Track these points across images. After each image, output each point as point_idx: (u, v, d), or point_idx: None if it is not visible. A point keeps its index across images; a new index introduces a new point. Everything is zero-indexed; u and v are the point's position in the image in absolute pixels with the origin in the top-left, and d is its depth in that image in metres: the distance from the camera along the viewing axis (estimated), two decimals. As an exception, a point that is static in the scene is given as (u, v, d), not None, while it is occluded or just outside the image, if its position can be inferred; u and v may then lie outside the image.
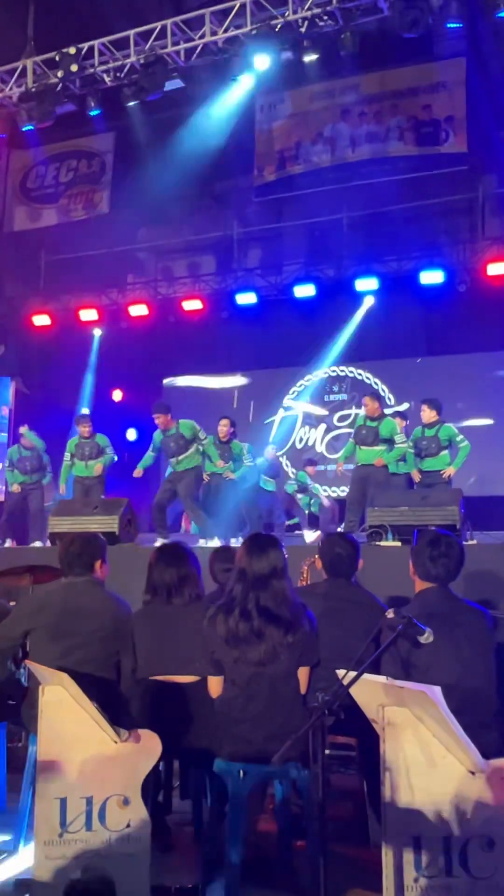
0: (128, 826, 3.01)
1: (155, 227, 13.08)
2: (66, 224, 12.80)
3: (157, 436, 8.43)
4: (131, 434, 13.23)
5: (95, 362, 12.90)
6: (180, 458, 8.26)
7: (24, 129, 10.45)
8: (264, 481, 10.14)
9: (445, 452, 7.85)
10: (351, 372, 12.57)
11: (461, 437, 7.88)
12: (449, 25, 8.63)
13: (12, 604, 4.39)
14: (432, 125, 10.99)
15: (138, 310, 12.23)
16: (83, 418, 9.45)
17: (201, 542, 7.67)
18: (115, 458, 9.49)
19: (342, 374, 12.60)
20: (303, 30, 8.87)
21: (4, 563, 5.86)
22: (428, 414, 7.90)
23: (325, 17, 8.70)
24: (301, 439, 12.69)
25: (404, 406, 12.12)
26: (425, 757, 2.60)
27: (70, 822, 3.01)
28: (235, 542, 7.78)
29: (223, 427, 8.69)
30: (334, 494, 11.38)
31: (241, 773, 3.08)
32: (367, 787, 3.50)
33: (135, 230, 13.21)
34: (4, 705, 3.97)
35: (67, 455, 9.22)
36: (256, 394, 12.88)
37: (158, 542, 7.63)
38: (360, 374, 12.53)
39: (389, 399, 12.28)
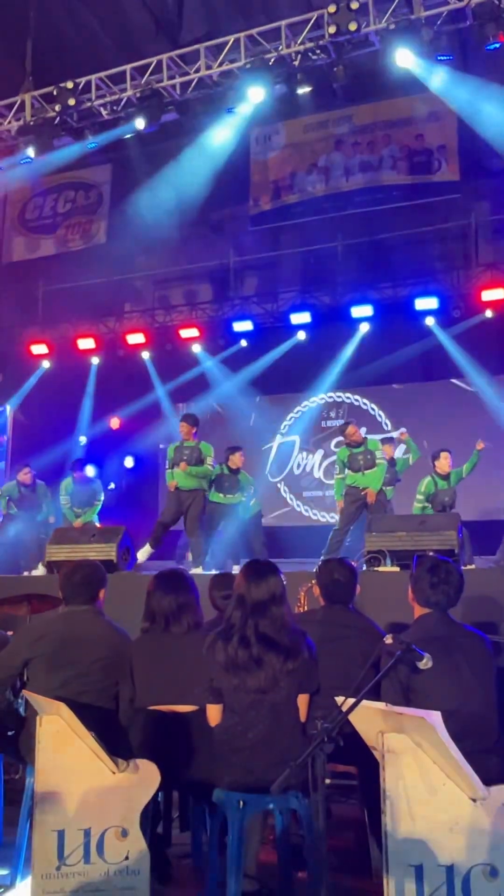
0: (126, 858, 2.97)
1: (152, 257, 13.20)
2: (64, 254, 12.93)
3: (171, 449, 8.45)
4: (129, 462, 13.24)
5: (93, 390, 12.95)
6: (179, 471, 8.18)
7: (22, 162, 10.57)
8: None
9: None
10: (348, 398, 12.62)
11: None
12: (440, 58, 8.78)
13: (10, 633, 4.37)
14: (425, 154, 11.16)
15: (135, 338, 12.30)
16: (22, 468, 9.46)
17: (194, 570, 7.66)
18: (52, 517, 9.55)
19: (339, 399, 12.65)
20: (296, 63, 9.01)
21: (2, 592, 5.83)
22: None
23: (318, 51, 8.85)
24: (299, 465, 12.70)
25: (400, 431, 12.16)
26: (426, 784, 2.58)
27: (68, 854, 2.97)
28: (237, 569, 7.79)
29: (238, 458, 8.73)
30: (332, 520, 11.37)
31: (241, 802, 3.05)
32: (367, 815, 3.46)
33: (132, 259, 13.32)
34: (2, 736, 3.93)
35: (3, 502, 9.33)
36: (254, 420, 12.91)
37: (142, 554, 7.71)
38: (356, 400, 12.58)
39: (386, 425, 12.32)
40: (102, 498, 9.63)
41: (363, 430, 12.41)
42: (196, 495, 8.18)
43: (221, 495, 8.54)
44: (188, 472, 8.13)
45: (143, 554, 8.05)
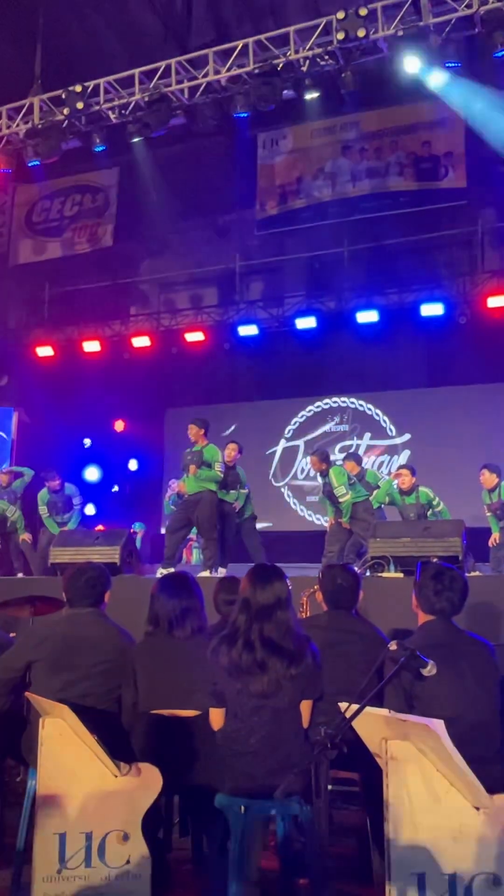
0: (127, 863, 2.97)
1: (158, 260, 13.24)
2: (71, 257, 12.97)
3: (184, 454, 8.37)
4: (133, 464, 13.27)
5: (98, 393, 12.97)
6: (189, 475, 8.08)
7: (30, 165, 10.60)
8: None
9: None
10: (352, 403, 12.62)
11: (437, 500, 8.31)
12: (448, 64, 8.79)
13: (12, 635, 4.37)
14: (431, 161, 11.18)
15: (141, 341, 12.31)
16: (50, 474, 9.46)
17: (205, 573, 7.64)
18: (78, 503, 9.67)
19: (343, 404, 12.65)
20: (304, 69, 9.03)
21: (5, 594, 5.83)
22: (488, 478, 8.27)
23: (326, 57, 8.87)
24: (303, 470, 12.70)
25: (405, 437, 12.17)
26: (429, 792, 2.57)
27: (69, 858, 2.97)
28: (223, 572, 7.78)
29: (231, 451, 8.58)
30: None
31: (243, 808, 3.04)
32: (370, 822, 3.45)
33: (138, 263, 13.36)
34: (4, 738, 3.93)
35: (44, 508, 9.34)
36: (258, 425, 12.93)
37: (160, 573, 7.61)
38: (361, 405, 12.58)
39: (391, 430, 12.32)
40: (79, 502, 9.63)
41: (367, 436, 12.47)
42: (201, 497, 8.02)
43: (224, 492, 8.50)
44: (197, 476, 8.02)
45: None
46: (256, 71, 9.10)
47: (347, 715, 2.55)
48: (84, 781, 3.01)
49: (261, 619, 3.17)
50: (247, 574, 3.36)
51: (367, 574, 6.46)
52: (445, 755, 2.48)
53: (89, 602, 3.64)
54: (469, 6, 8.17)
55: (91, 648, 3.50)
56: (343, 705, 2.65)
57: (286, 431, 12.93)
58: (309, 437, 12.70)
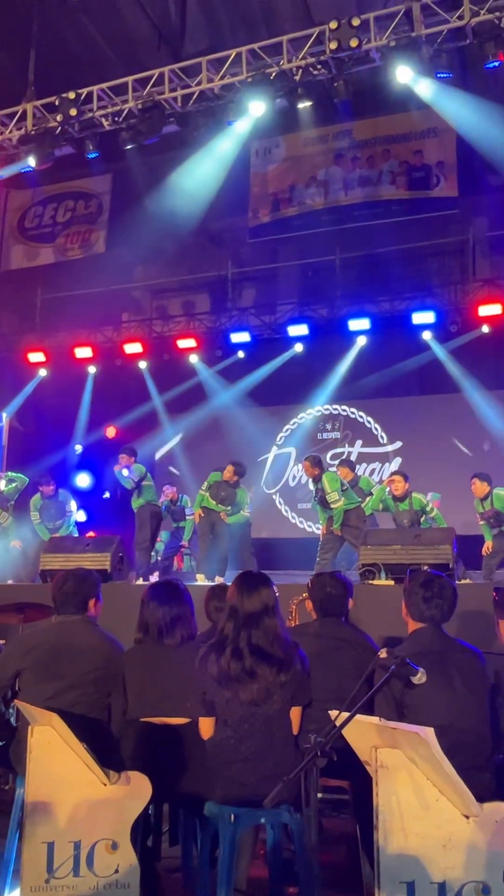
0: (116, 872, 2.95)
1: (150, 267, 13.24)
2: (63, 263, 12.96)
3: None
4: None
5: (89, 399, 12.95)
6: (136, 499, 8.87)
7: (22, 171, 10.61)
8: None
9: None
10: (344, 410, 12.64)
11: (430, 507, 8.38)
12: (439, 75, 8.84)
13: (2, 642, 4.35)
14: (424, 170, 11.24)
15: (133, 347, 12.31)
16: (45, 479, 9.52)
17: (199, 580, 7.68)
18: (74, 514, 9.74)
19: (335, 412, 12.67)
20: (297, 78, 9.07)
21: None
22: (479, 487, 8.30)
23: (319, 66, 8.91)
24: (294, 477, 12.70)
25: (397, 445, 12.19)
26: (419, 800, 2.57)
27: (57, 867, 2.94)
28: (220, 580, 7.80)
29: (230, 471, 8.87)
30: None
31: (233, 816, 3.03)
32: (360, 831, 3.44)
33: (130, 269, 13.36)
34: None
35: (35, 514, 9.37)
36: (250, 431, 12.91)
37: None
38: (353, 413, 12.60)
39: (382, 438, 12.34)
40: (73, 508, 9.62)
41: (359, 443, 12.50)
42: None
43: (214, 502, 8.57)
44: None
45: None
46: (249, 80, 9.13)
47: (338, 723, 2.55)
48: (73, 790, 2.99)
49: (248, 627, 3.16)
50: (233, 582, 3.36)
51: (358, 581, 6.46)
52: (435, 763, 2.47)
53: (76, 608, 3.62)
54: (461, 17, 8.23)
55: (80, 656, 3.49)
56: (333, 713, 2.64)
57: (278, 438, 12.93)
58: (300, 444, 12.70)
